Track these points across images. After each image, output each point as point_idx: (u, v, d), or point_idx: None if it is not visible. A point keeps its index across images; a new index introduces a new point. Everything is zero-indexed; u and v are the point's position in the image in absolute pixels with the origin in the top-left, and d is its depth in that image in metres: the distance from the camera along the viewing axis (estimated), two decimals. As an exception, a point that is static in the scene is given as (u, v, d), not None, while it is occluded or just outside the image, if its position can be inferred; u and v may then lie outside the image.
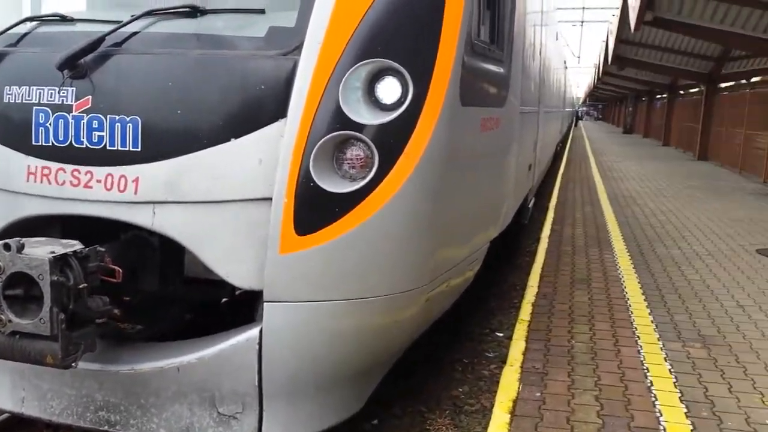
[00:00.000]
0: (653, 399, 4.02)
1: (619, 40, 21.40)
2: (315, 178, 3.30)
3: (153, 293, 3.97)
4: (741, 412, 3.88)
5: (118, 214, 3.49)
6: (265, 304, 3.42)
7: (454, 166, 3.87)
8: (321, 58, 3.30)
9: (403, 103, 3.41)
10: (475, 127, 4.24)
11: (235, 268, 3.45)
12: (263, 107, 3.30)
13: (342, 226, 3.37)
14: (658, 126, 36.34)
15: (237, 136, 3.30)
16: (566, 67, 26.30)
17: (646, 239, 9.00)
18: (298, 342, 3.51)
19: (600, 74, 38.19)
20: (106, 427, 3.63)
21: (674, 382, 4.26)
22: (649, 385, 4.22)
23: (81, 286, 3.10)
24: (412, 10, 3.50)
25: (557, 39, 14.49)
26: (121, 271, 3.32)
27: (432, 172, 3.60)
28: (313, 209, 3.33)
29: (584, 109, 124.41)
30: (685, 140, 28.02)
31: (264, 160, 3.32)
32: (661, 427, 3.67)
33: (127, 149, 3.39)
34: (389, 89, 3.42)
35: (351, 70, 3.32)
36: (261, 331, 3.44)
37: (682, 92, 31.25)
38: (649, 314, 5.67)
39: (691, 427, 3.67)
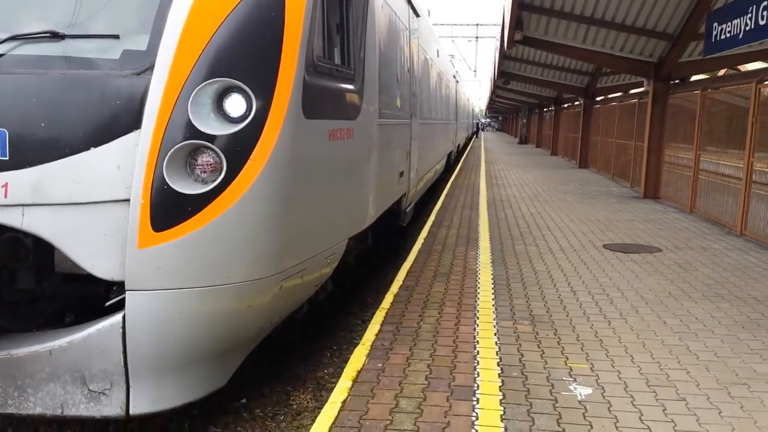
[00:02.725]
0: (475, 364, 4.73)
1: (502, 56, 22.77)
2: (168, 182, 3.81)
3: (28, 290, 4.35)
4: (545, 371, 4.65)
5: (-11, 216, 3.88)
6: (127, 292, 3.89)
7: (301, 170, 4.46)
8: (170, 78, 3.82)
9: (248, 116, 3.98)
10: (321, 136, 4.85)
11: (99, 262, 3.90)
12: (119, 120, 3.79)
13: (195, 222, 3.90)
14: (548, 137, 38.47)
15: (96, 146, 3.77)
16: (458, 81, 27.59)
17: (510, 238, 9.91)
18: (158, 326, 3.99)
19: (493, 88, 40.02)
20: (-16, 409, 4.00)
21: (497, 351, 5.00)
22: (475, 354, 4.94)
23: (-47, 279, 3.48)
24: (254, 36, 4.08)
25: (438, 55, 15.42)
26: (-9, 266, 3.72)
27: (277, 175, 4.17)
28: (168, 208, 3.83)
29: (486, 120, 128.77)
30: (570, 150, 29.93)
31: (122, 166, 3.80)
32: (476, 385, 4.37)
33: (-4, 158, 3.79)
34: (235, 104, 3.99)
35: (198, 87, 3.85)
36: (124, 317, 3.91)
37: (566, 105, 33.27)
38: (493, 300, 6.45)
39: (500, 384, 4.40)
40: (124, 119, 3.79)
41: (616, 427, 3.81)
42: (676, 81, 15.68)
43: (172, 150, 3.80)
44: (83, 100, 3.79)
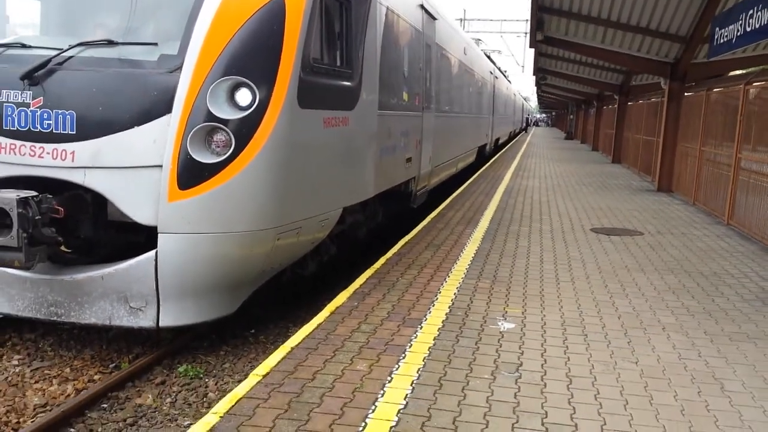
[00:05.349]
0: (431, 306, 5.95)
1: (538, 53, 23.64)
2: (191, 153, 5.16)
3: (87, 235, 5.76)
4: (484, 313, 5.83)
5: (61, 175, 5.30)
6: (159, 234, 5.26)
7: (296, 148, 5.75)
8: (195, 75, 5.17)
9: (252, 105, 5.30)
10: (316, 123, 6.12)
11: (139, 211, 5.28)
12: (155, 106, 5.16)
13: (210, 184, 5.25)
14: (591, 132, 38.94)
15: (139, 125, 5.15)
16: (496, 77, 28.45)
17: (509, 221, 11.01)
18: (181, 260, 5.35)
19: (537, 84, 40.63)
20: (54, 318, 5.44)
21: (452, 299, 6.20)
22: (434, 300, 6.15)
23: (37, 218, 4.90)
24: (259, 45, 5.39)
25: (465, 53, 16.49)
26: (63, 209, 5.14)
27: (275, 151, 5.48)
28: (190, 173, 5.19)
29: (540, 116, 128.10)
30: (607, 145, 30.50)
31: (157, 140, 5.17)
32: (425, 319, 5.59)
33: (66, 132, 5.21)
34: (243, 96, 5.32)
35: (215, 83, 5.19)
36: (156, 253, 5.28)
37: (607, 102, 33.75)
38: (469, 264, 7.62)
39: (444, 318, 5.61)
40: (160, 106, 5.16)
41: (519, 348, 4.99)
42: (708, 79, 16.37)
43: (194, 129, 5.15)
44: (130, 91, 5.18)
